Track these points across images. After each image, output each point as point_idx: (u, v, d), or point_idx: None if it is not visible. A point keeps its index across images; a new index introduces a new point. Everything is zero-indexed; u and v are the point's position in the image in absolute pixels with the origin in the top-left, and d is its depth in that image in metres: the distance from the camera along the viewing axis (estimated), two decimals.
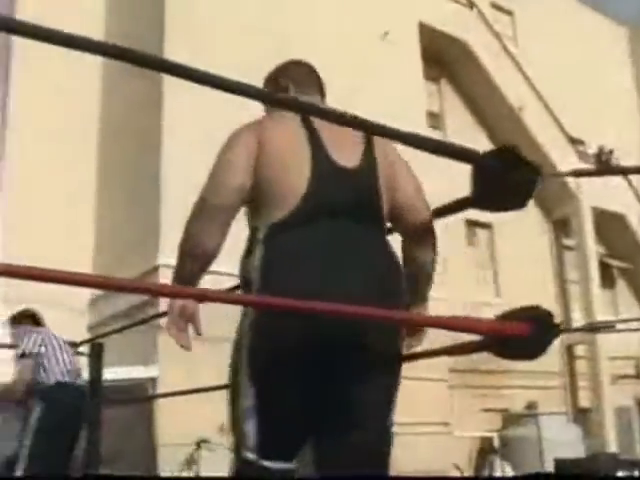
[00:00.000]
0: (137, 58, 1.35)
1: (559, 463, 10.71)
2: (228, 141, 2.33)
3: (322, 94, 2.56)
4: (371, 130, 1.75)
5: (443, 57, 19.04)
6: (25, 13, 14.50)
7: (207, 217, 2.19)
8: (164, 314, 4.10)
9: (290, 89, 2.52)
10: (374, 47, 16.07)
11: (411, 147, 1.69)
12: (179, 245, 2.22)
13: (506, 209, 1.77)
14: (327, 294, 1.86)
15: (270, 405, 2.08)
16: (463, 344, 1.89)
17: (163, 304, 10.38)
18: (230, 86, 1.44)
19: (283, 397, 2.07)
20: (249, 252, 2.19)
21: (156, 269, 12.07)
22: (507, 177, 1.63)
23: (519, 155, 1.66)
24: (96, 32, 14.84)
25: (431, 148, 1.68)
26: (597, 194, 18.90)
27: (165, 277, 11.64)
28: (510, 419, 15.17)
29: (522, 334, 1.58)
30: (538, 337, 1.59)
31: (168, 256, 11.71)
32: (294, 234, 2.10)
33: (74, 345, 4.36)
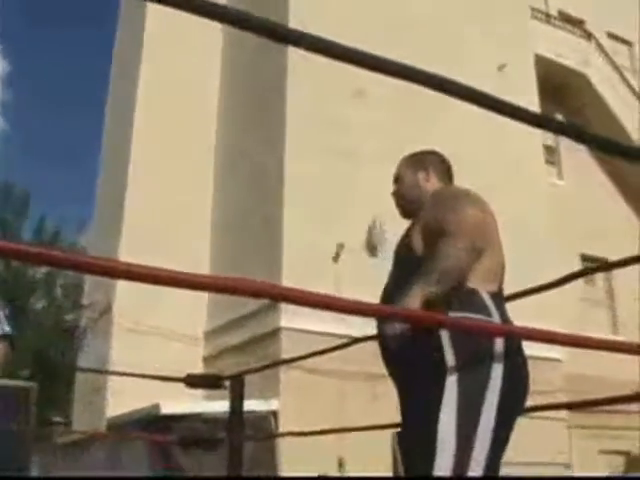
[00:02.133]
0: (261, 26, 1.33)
1: None
2: None
3: (452, 183, 2.95)
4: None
5: (560, 89, 18.79)
6: None
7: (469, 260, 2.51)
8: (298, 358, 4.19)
9: (431, 174, 2.92)
10: (490, 79, 15.98)
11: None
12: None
13: None
14: None
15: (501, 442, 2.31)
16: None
17: (284, 337, 10.60)
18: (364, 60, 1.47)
19: (506, 441, 2.35)
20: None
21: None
22: None
23: None
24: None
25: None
26: None
27: (287, 310, 11.79)
28: (634, 462, 14.67)
29: None
30: None
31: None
32: None
33: (218, 379, 4.42)
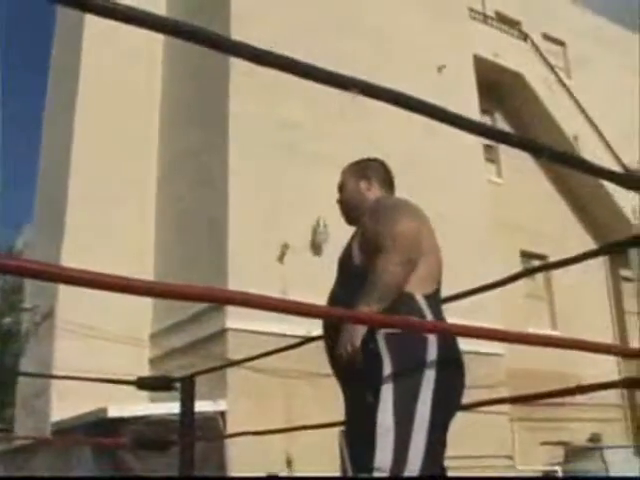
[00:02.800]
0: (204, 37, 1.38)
1: None
2: None
3: (393, 191, 3.08)
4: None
5: (498, 89, 19.14)
6: None
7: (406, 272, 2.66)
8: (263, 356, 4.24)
9: (372, 182, 3.03)
10: (430, 80, 16.19)
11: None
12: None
13: None
14: None
15: (437, 439, 2.46)
16: (591, 385, 1.93)
17: (230, 338, 10.60)
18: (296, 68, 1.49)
19: (445, 429, 2.52)
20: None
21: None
22: None
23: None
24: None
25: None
26: None
27: (232, 311, 11.84)
28: (574, 452, 14.91)
29: None
30: None
31: (236, 290, 11.94)
32: None
33: (169, 381, 4.44)
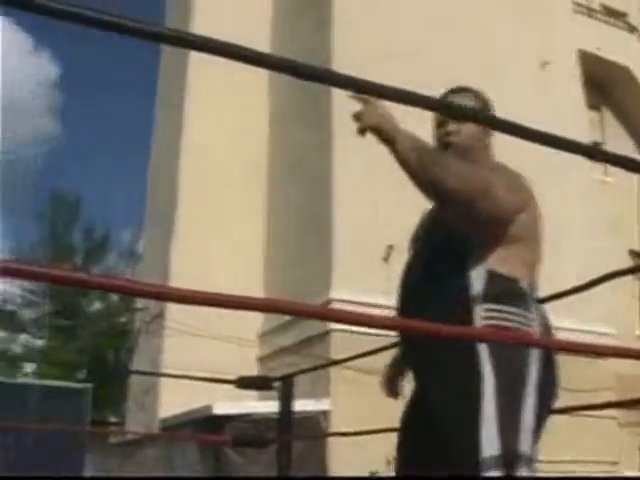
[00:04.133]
0: (306, 71, 1.40)
1: None
2: None
3: None
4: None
5: (604, 84, 18.63)
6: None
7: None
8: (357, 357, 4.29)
9: (489, 135, 2.54)
10: (534, 77, 15.92)
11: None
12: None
13: None
14: None
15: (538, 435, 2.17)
16: None
17: (334, 338, 10.72)
18: (389, 93, 1.47)
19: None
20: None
21: (328, 303, 12.40)
22: None
23: None
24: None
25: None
26: None
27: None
28: None
29: None
30: None
31: (340, 291, 12.14)
32: None
33: (268, 380, 4.55)
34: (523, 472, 2.08)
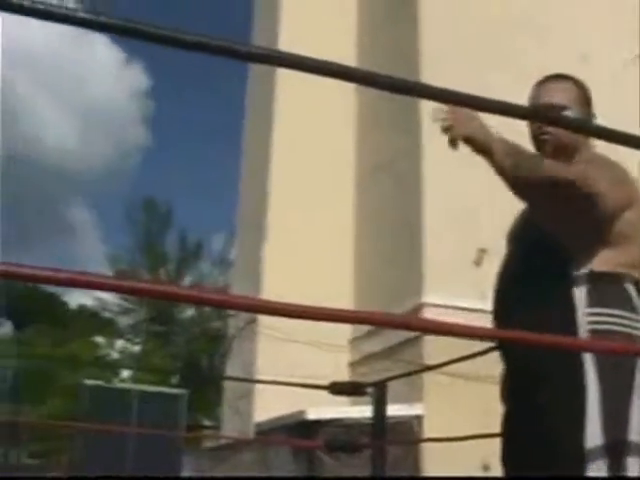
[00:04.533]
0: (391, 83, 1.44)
1: None
2: None
3: None
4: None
5: None
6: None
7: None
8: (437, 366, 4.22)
9: (594, 117, 2.45)
10: (617, 75, 15.45)
11: None
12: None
13: None
14: None
15: None
16: None
17: (426, 343, 10.65)
18: (479, 103, 1.47)
19: None
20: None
21: (420, 307, 12.33)
22: None
23: None
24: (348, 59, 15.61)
25: None
26: None
27: (430, 315, 11.94)
28: None
29: None
30: None
31: (432, 295, 12.05)
32: None
33: (361, 386, 4.54)
34: (632, 466, 1.99)
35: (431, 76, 13.62)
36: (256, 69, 19.20)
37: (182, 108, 48.65)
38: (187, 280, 28.44)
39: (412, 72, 13.95)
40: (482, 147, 2.22)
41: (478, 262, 12.29)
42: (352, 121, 16.48)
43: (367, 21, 17.30)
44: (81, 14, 1.07)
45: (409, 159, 13.62)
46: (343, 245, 15.62)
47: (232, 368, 16.97)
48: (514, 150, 2.16)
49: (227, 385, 17.44)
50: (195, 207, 45.98)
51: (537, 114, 1.99)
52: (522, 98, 2.52)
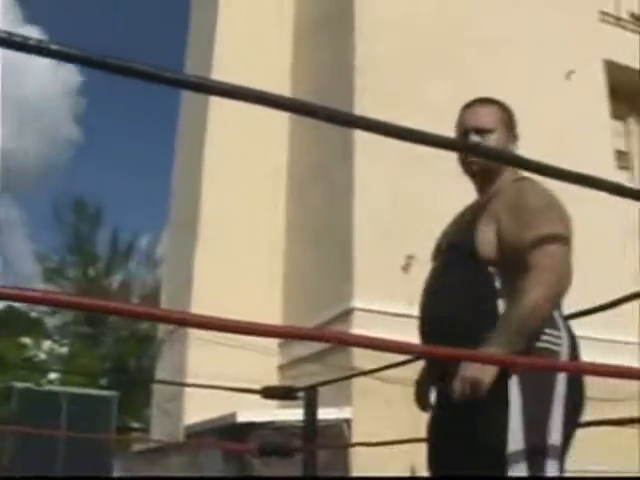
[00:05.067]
0: (325, 114, 1.44)
1: None
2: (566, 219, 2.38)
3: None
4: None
5: (631, 94, 18.53)
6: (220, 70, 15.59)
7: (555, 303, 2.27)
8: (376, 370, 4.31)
9: (515, 143, 2.57)
10: (557, 87, 15.88)
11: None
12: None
13: None
14: None
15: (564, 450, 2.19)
16: None
17: (355, 347, 10.71)
18: (429, 140, 1.53)
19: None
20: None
21: (349, 312, 12.45)
22: None
23: None
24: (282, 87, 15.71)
25: None
26: None
27: (359, 320, 12.08)
28: None
29: None
30: None
31: (361, 300, 12.19)
32: None
33: (293, 391, 4.60)
34: (551, 467, 2.12)
35: (366, 84, 13.83)
36: (191, 71, 19.15)
37: (114, 106, 47.99)
38: (116, 279, 28.23)
39: (348, 80, 14.11)
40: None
41: (406, 268, 12.47)
42: (286, 126, 16.54)
43: (304, 28, 17.41)
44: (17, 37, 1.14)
45: (341, 165, 13.75)
46: (274, 249, 15.68)
47: (162, 370, 16.87)
48: (510, 329, 2.15)
49: (157, 387, 17.32)
50: (126, 206, 45.39)
51: (462, 147, 2.11)
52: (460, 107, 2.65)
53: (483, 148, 2.29)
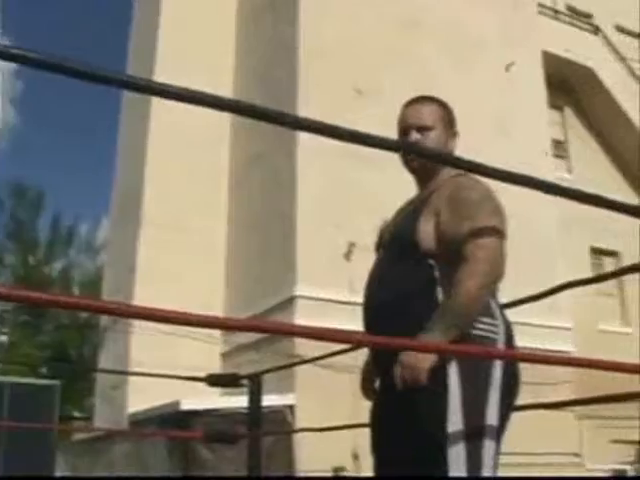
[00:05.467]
0: (265, 115, 1.52)
1: None
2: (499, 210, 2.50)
3: None
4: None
5: (568, 85, 18.94)
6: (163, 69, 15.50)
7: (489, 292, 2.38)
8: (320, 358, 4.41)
9: (454, 139, 2.70)
10: (499, 79, 16.16)
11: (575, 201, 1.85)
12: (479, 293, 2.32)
13: None
14: None
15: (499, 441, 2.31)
16: None
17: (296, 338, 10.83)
18: (371, 141, 1.62)
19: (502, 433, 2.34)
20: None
21: (292, 300, 12.55)
22: None
23: None
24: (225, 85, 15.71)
25: (595, 203, 1.86)
26: None
27: (301, 307, 12.19)
28: None
29: None
30: None
31: (303, 288, 12.29)
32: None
33: (237, 378, 4.68)
34: (488, 447, 2.23)
35: (311, 72, 13.88)
36: (134, 51, 19.04)
37: (53, 88, 47.14)
38: (57, 266, 27.90)
39: (291, 67, 14.15)
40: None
41: (348, 256, 12.59)
42: (228, 114, 16.50)
43: (247, 13, 17.37)
44: None
45: (283, 154, 13.80)
46: (217, 236, 15.66)
47: (105, 359, 16.78)
48: (450, 313, 2.28)
49: (100, 376, 17.21)
50: (68, 192, 44.70)
51: (409, 146, 2.23)
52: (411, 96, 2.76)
53: (420, 148, 2.43)
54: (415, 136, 2.61)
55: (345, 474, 10.69)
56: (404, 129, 2.66)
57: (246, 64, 16.63)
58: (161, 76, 15.76)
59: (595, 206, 1.81)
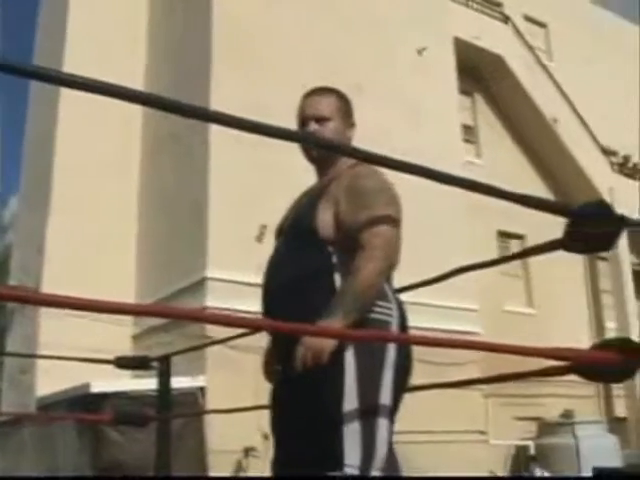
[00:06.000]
0: (180, 108, 1.56)
1: (598, 471, 10.86)
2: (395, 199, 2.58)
3: None
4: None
5: (477, 71, 19.33)
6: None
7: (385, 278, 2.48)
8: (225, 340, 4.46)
9: (352, 129, 2.79)
10: (410, 63, 16.39)
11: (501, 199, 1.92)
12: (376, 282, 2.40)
13: (591, 252, 2.05)
14: None
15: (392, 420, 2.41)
16: (545, 368, 1.97)
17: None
18: (273, 132, 1.68)
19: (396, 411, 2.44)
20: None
21: (203, 281, 12.55)
22: (598, 227, 1.87)
23: (608, 207, 1.89)
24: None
25: (522, 201, 1.94)
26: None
27: (212, 289, 12.20)
28: (546, 427, 15.24)
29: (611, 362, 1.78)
30: (626, 365, 1.78)
31: (214, 270, 12.31)
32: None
33: (147, 360, 4.69)
34: (382, 427, 2.34)
35: (224, 55, 13.84)
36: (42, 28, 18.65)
37: None
38: None
39: (202, 60, 14.07)
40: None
41: (260, 238, 12.63)
42: (141, 89, 16.33)
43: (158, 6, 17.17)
44: None
45: (196, 135, 13.72)
46: (128, 217, 15.50)
47: (13, 342, 16.45)
48: (345, 300, 2.34)
49: (7, 359, 16.87)
50: None
51: (300, 138, 2.32)
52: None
53: (318, 139, 2.54)
54: (314, 127, 2.69)
55: (255, 454, 10.81)
56: (303, 120, 2.74)
57: (159, 50, 16.43)
58: (70, 62, 15.48)
59: (487, 195, 1.89)
